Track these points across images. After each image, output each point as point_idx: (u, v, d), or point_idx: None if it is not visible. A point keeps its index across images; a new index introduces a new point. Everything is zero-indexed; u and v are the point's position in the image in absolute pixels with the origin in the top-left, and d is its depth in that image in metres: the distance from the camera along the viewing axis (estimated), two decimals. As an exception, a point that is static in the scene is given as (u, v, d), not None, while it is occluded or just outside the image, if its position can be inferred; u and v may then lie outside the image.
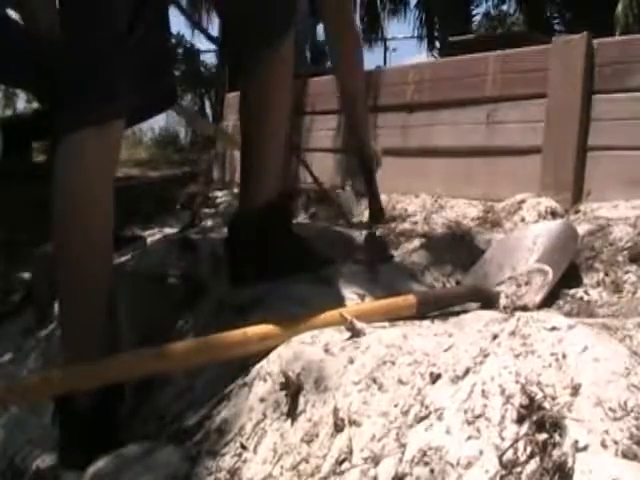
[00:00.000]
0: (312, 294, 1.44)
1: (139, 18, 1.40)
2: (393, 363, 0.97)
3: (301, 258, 1.61)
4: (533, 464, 0.70)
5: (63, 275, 1.33)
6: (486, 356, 0.87)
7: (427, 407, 0.85)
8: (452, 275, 1.73)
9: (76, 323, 1.32)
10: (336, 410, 0.95)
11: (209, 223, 3.13)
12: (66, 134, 1.30)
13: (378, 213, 2.28)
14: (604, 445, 0.68)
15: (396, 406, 0.89)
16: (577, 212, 2.10)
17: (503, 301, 1.41)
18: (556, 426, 0.71)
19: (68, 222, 1.30)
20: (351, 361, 1.03)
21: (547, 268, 1.45)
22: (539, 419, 0.73)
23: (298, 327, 1.19)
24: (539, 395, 0.76)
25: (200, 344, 1.22)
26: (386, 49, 12.78)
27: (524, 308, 1.33)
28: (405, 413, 0.87)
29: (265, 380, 1.11)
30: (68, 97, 1.33)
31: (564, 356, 0.81)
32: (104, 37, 1.31)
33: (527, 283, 1.44)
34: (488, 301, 1.41)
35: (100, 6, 1.31)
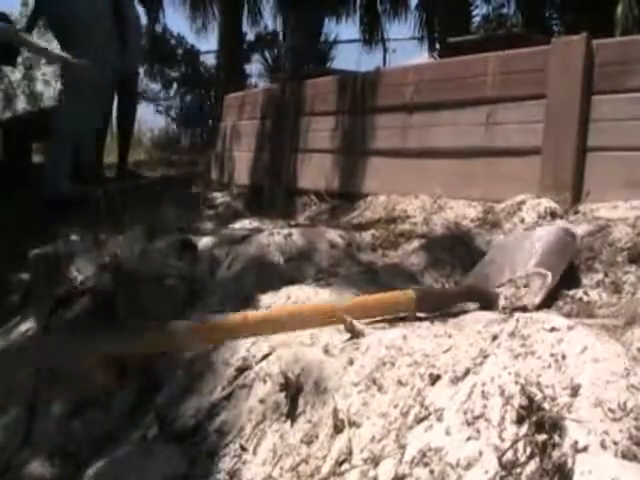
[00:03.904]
0: (312, 294, 1.44)
1: None
2: (393, 364, 0.97)
3: None
4: (533, 465, 0.70)
5: None
6: (486, 357, 0.87)
7: (427, 408, 0.85)
8: (451, 276, 1.73)
9: None
10: (336, 411, 0.95)
11: (208, 224, 3.14)
12: None
13: None
14: (604, 446, 0.68)
15: (396, 407, 0.89)
16: (576, 213, 2.10)
17: (502, 302, 1.41)
18: (556, 427, 0.71)
19: None
20: (351, 362, 1.03)
21: (546, 272, 1.45)
22: (539, 420, 0.73)
23: (296, 316, 1.18)
24: (539, 396, 0.76)
25: (201, 327, 1.22)
26: (386, 50, 12.75)
27: (523, 309, 1.33)
28: (405, 414, 0.87)
29: (265, 381, 1.11)
30: None
31: (563, 357, 0.81)
32: None
33: (526, 286, 1.43)
34: (487, 302, 1.41)
35: None
